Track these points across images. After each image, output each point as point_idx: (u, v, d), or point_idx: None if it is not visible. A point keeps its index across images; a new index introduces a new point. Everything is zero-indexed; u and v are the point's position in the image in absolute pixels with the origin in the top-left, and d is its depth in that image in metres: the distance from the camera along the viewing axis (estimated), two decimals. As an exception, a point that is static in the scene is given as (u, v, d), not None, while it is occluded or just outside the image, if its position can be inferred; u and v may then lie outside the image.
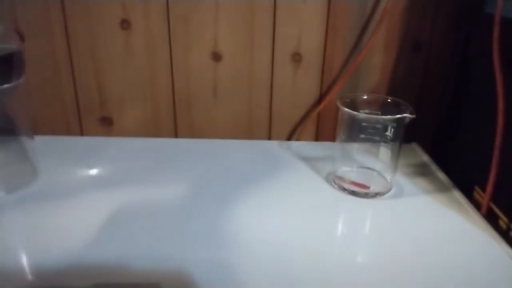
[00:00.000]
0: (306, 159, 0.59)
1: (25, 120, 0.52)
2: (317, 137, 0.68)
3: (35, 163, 0.53)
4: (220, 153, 0.61)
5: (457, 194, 0.52)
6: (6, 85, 0.45)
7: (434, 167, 0.58)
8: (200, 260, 0.39)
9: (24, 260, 0.39)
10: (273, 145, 0.64)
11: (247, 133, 0.68)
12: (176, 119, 0.66)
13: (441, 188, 0.53)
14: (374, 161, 0.52)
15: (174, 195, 0.50)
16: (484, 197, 0.48)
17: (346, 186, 0.51)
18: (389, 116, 0.48)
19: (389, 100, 0.51)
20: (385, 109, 0.50)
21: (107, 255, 0.39)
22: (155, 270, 0.38)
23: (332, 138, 0.55)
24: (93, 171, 0.55)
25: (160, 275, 0.37)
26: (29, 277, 0.37)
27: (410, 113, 0.47)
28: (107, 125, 0.66)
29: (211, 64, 0.63)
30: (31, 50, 0.61)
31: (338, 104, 0.49)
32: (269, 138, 0.68)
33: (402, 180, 0.54)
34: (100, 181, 0.53)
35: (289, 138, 0.68)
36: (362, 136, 0.49)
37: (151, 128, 0.67)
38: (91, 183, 0.52)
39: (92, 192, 0.50)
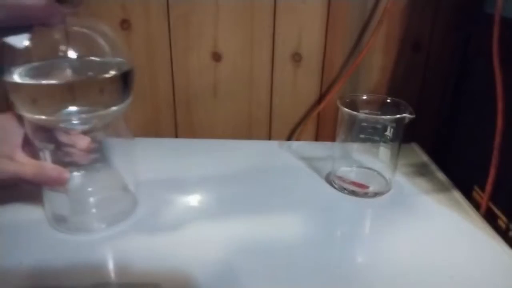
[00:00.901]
0: (306, 159, 0.59)
1: (129, 139, 0.46)
2: (317, 137, 0.68)
3: (136, 191, 0.47)
4: (220, 153, 0.61)
5: (457, 194, 0.52)
6: (127, 100, 0.40)
7: (433, 167, 0.58)
8: (199, 260, 0.39)
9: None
10: (273, 145, 0.65)
11: (247, 133, 0.68)
12: (176, 119, 0.67)
13: (440, 188, 0.53)
14: (373, 161, 0.52)
15: (173, 194, 0.50)
16: (483, 197, 0.48)
17: (346, 186, 0.51)
18: (388, 116, 0.48)
19: (388, 100, 0.51)
20: (384, 109, 0.50)
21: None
22: (155, 270, 0.38)
23: (332, 138, 0.55)
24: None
25: (160, 275, 0.37)
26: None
27: (410, 113, 0.47)
28: (107, 125, 0.67)
29: (211, 64, 0.63)
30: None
31: (338, 104, 0.49)
32: (269, 138, 0.68)
33: (401, 180, 0.54)
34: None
35: (289, 138, 0.68)
36: (362, 136, 0.50)
37: (151, 128, 0.67)
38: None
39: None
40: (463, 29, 0.61)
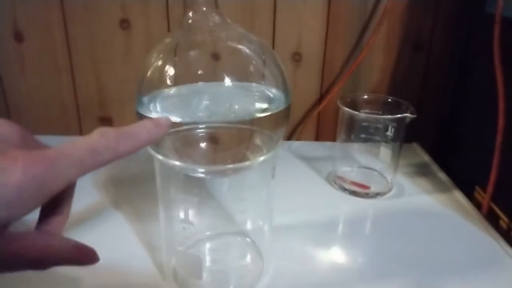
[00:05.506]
0: (306, 159, 0.59)
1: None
2: (318, 137, 0.68)
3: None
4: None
5: (458, 194, 0.51)
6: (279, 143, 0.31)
7: (434, 167, 0.58)
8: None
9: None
10: (273, 145, 0.64)
11: (247, 133, 0.68)
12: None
13: (441, 188, 0.53)
14: (374, 161, 0.52)
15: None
16: (484, 197, 0.48)
17: (347, 186, 0.51)
18: (389, 116, 0.48)
19: (389, 100, 0.51)
20: (385, 109, 0.50)
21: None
22: (155, 270, 0.38)
23: (333, 138, 0.55)
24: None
25: (160, 275, 0.37)
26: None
27: (411, 113, 0.47)
28: (106, 125, 0.66)
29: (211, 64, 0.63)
30: (31, 50, 0.61)
31: (339, 104, 0.49)
32: (269, 138, 0.68)
33: (402, 180, 0.54)
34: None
35: (289, 138, 0.68)
36: (363, 136, 0.49)
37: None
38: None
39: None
40: (463, 28, 0.61)
